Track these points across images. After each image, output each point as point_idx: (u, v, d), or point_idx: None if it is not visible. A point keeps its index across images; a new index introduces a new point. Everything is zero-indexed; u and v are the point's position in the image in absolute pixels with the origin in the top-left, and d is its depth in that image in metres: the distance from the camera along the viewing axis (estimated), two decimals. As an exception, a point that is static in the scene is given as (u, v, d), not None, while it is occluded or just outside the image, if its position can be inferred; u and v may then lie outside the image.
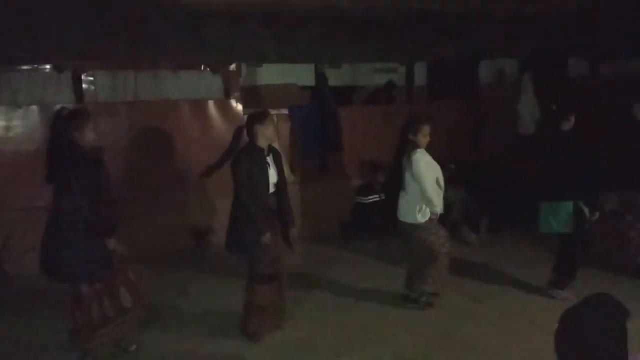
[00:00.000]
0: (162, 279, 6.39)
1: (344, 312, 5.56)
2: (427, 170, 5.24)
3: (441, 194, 5.37)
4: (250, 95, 7.95)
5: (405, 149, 5.35)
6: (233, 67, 7.74)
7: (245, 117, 7.10)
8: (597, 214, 5.51)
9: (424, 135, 5.27)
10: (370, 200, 7.91)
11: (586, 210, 5.45)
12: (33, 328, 5.31)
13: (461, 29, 8.71)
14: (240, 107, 7.71)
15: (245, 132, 5.02)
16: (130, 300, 4.75)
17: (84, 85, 7.19)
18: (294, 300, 5.66)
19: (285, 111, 8.10)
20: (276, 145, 5.26)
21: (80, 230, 4.25)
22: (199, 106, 7.63)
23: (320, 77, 8.38)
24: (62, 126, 4.39)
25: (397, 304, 5.65)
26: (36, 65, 6.91)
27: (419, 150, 5.28)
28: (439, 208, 5.34)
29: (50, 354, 4.83)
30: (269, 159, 4.88)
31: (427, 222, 5.30)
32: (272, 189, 4.88)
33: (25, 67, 6.90)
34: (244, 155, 4.85)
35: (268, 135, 4.84)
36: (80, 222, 4.25)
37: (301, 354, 4.75)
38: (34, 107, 6.90)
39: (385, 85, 9.37)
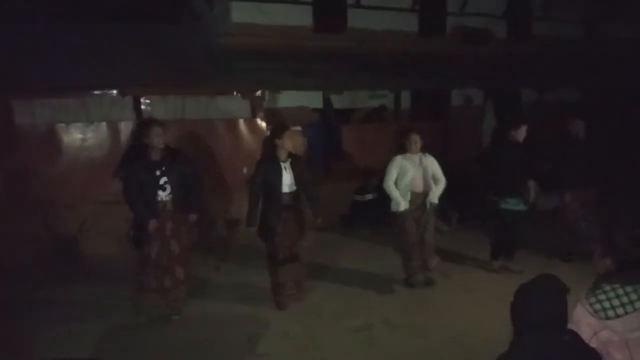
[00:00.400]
0: (201, 260, 6.33)
1: (342, 285, 5.56)
2: (392, 172, 5.16)
3: (408, 193, 5.20)
4: (272, 115, 7.93)
5: (397, 151, 5.33)
6: (258, 92, 7.71)
7: (268, 132, 7.26)
8: (520, 203, 5.53)
9: (413, 143, 5.20)
10: (366, 198, 7.89)
11: (508, 199, 5.49)
12: (99, 294, 5.35)
13: (436, 65, 8.82)
14: (264, 124, 7.65)
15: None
16: (183, 274, 4.77)
17: (142, 107, 7.16)
18: (306, 274, 5.65)
19: (299, 128, 8.11)
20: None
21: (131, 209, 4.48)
22: (231, 124, 7.60)
23: (327, 101, 8.45)
24: (137, 132, 4.57)
25: (384, 279, 5.63)
26: (105, 91, 6.92)
27: (401, 155, 5.22)
28: (401, 205, 5.17)
29: (112, 314, 4.86)
30: (286, 165, 4.82)
31: (399, 213, 5.21)
32: (287, 189, 4.81)
33: (97, 92, 6.91)
34: (260, 163, 4.86)
35: (285, 146, 4.81)
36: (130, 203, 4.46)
37: (308, 317, 4.79)
38: (103, 123, 6.91)
39: (378, 108, 9.38)
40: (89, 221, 6.60)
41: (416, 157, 5.26)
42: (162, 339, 4.41)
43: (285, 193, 4.82)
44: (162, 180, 4.58)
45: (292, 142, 5.06)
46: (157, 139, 4.51)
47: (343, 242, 7.28)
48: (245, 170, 7.24)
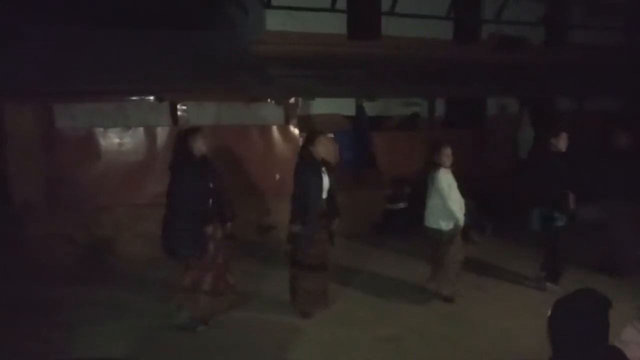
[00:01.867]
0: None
1: (373, 294, 5.49)
2: (447, 186, 4.99)
3: (462, 207, 5.08)
4: (305, 122, 7.95)
5: (430, 169, 5.15)
6: (292, 100, 7.74)
7: (300, 138, 7.30)
8: (564, 218, 5.29)
9: (447, 156, 5.05)
10: (398, 207, 7.80)
11: (556, 215, 5.25)
12: (132, 296, 5.40)
13: (471, 73, 8.69)
14: (297, 131, 7.67)
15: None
16: (232, 279, 4.87)
17: (179, 112, 7.28)
18: (336, 282, 5.63)
19: (331, 135, 7.96)
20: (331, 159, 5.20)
21: (183, 215, 4.42)
22: (265, 130, 7.63)
23: (359, 108, 8.39)
24: (181, 139, 4.62)
25: (415, 289, 5.54)
26: (143, 97, 7.04)
27: (441, 169, 5.05)
28: (461, 220, 5.05)
29: (144, 316, 4.90)
30: (324, 169, 4.81)
31: (449, 230, 5.07)
32: (325, 195, 4.79)
33: (134, 98, 7.02)
34: (301, 167, 4.79)
35: (319, 152, 4.79)
36: (184, 209, 4.41)
37: (338, 325, 4.74)
38: (141, 128, 7.03)
39: (411, 116, 9.30)
40: (124, 223, 6.70)
41: (449, 172, 5.11)
42: (192, 343, 4.42)
43: (324, 199, 4.80)
44: (211, 184, 4.65)
45: (325, 148, 4.95)
46: (202, 147, 4.61)
47: (374, 250, 7.21)
48: (278, 176, 7.33)
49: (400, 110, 9.46)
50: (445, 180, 5.00)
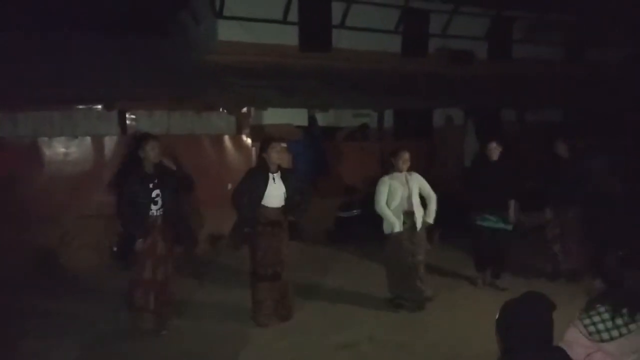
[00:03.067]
0: (183, 273, 6.23)
1: (328, 302, 5.49)
2: (382, 193, 5.04)
3: (400, 213, 5.08)
4: (257, 132, 7.92)
5: (385, 170, 5.22)
6: (244, 109, 7.70)
7: (253, 148, 7.28)
8: (506, 223, 5.59)
9: (404, 161, 5.11)
10: (351, 214, 7.84)
11: (492, 218, 5.55)
12: (81, 308, 5.23)
13: (419, 85, 8.97)
14: (249, 141, 7.63)
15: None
16: (173, 292, 4.74)
17: (128, 121, 7.16)
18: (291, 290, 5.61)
19: (284, 144, 8.00)
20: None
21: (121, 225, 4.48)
22: (217, 140, 7.57)
23: (312, 119, 8.44)
24: (132, 145, 4.52)
25: (370, 296, 5.57)
26: (90, 105, 6.88)
27: (391, 174, 5.12)
28: (395, 226, 5.05)
29: (93, 328, 4.75)
30: (275, 176, 4.72)
31: (393, 234, 5.09)
32: (274, 203, 4.71)
33: (81, 106, 6.86)
34: (247, 172, 4.81)
35: (271, 159, 4.73)
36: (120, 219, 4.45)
37: (295, 333, 4.70)
38: (88, 138, 6.85)
39: (361, 127, 9.41)
40: (70, 234, 6.51)
41: (402, 176, 5.14)
42: (147, 354, 4.30)
43: (272, 207, 4.71)
44: (155, 193, 4.51)
45: (279, 155, 4.82)
46: (153, 153, 4.47)
47: (329, 258, 7.22)
48: (229, 186, 7.03)
49: (350, 121, 9.58)
50: (385, 186, 5.07)
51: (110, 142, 6.90)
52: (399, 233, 5.08)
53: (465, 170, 8.84)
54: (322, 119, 8.75)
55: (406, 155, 5.12)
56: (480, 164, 5.87)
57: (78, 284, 5.89)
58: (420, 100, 9.32)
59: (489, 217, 5.61)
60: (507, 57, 10.48)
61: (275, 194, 4.72)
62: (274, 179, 4.72)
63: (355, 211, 7.88)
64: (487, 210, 5.60)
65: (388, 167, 5.26)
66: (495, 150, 5.57)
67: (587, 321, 2.22)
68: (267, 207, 4.70)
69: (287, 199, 4.79)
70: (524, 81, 9.37)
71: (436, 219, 7.67)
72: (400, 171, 5.13)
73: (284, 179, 4.77)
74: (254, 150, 7.21)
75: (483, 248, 5.76)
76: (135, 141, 4.55)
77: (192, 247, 4.85)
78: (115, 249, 6.46)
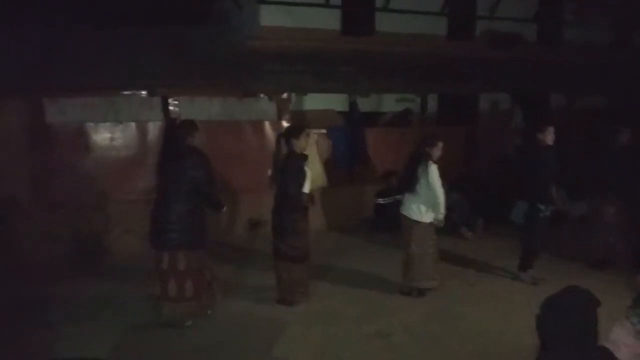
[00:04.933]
0: (222, 259, 6.22)
1: (362, 290, 5.42)
2: (439, 181, 4.93)
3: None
4: (297, 118, 7.84)
5: (419, 159, 5.05)
6: (285, 95, 7.67)
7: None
8: (548, 210, 5.34)
9: (438, 149, 5.01)
10: (387, 201, 7.66)
11: (541, 207, 5.27)
12: (121, 294, 5.29)
13: (464, 69, 8.64)
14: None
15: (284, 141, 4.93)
16: (210, 277, 4.71)
17: (170, 107, 7.15)
18: (325, 278, 5.62)
19: (324, 131, 8.05)
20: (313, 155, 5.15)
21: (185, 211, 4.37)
22: (257, 126, 7.59)
23: (352, 104, 8.29)
24: (178, 131, 4.52)
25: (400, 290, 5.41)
26: (134, 91, 6.94)
27: (431, 162, 4.97)
28: (442, 215, 5.02)
29: (130, 314, 4.78)
30: (306, 163, 4.81)
31: (428, 223, 5.03)
32: (308, 189, 4.78)
33: (126, 92, 6.93)
34: (288, 160, 4.77)
35: (301, 146, 4.78)
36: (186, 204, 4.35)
37: (328, 322, 4.67)
38: (132, 123, 6.95)
39: (403, 112, 9.21)
40: (114, 220, 6.68)
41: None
42: (179, 342, 4.31)
43: (307, 193, 4.79)
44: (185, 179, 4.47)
45: (306, 142, 4.93)
46: (200, 140, 4.55)
47: (365, 246, 7.16)
48: (270, 172, 7.19)
49: (393, 106, 9.36)
50: (437, 174, 4.93)
51: (153, 128, 7.00)
52: (437, 223, 5.08)
53: (506, 156, 8.56)
54: (363, 104, 8.56)
55: (441, 145, 5.03)
56: (530, 149, 5.54)
57: (120, 270, 5.99)
58: (465, 85, 9.05)
59: (542, 207, 5.32)
60: (556, 40, 9.95)
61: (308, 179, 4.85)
62: (307, 165, 4.86)
63: (392, 198, 7.61)
64: (544, 199, 5.30)
65: (421, 155, 5.04)
66: (552, 135, 5.31)
67: (635, 319, 2.03)
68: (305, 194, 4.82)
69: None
70: (573, 65, 8.87)
71: (478, 208, 7.57)
72: (436, 162, 4.98)
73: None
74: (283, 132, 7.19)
75: (540, 240, 5.51)
76: (187, 128, 4.54)
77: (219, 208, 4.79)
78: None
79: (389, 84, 8.65)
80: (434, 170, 4.92)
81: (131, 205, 6.46)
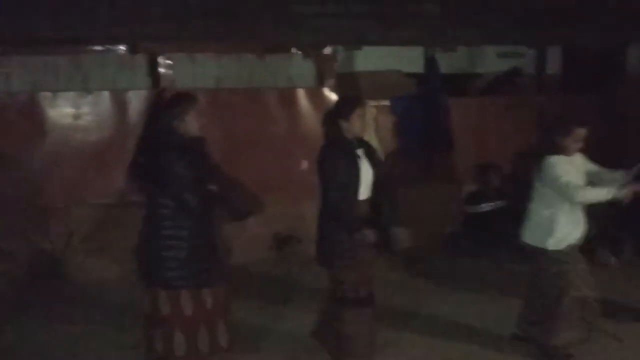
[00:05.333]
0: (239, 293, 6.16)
1: (442, 341, 5.26)
2: (567, 182, 4.65)
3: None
4: (347, 83, 7.75)
5: (544, 150, 4.84)
6: (327, 50, 7.68)
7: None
8: None
9: (576, 141, 4.76)
10: (484, 209, 7.55)
11: None
12: (86, 339, 5.26)
13: (603, 10, 8.33)
14: (334, 96, 7.46)
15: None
16: (227, 337, 4.53)
17: (160, 70, 7.19)
18: (390, 323, 5.42)
19: (386, 102, 7.90)
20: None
21: (185, 229, 4.22)
22: (287, 95, 7.58)
23: (430, 62, 8.13)
24: (161, 112, 4.39)
25: (508, 330, 5.23)
26: (108, 46, 6.98)
27: (560, 156, 4.74)
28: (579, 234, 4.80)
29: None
30: (361, 152, 4.59)
31: (559, 250, 4.75)
32: (364, 193, 4.57)
33: (96, 48, 6.97)
34: (330, 149, 4.57)
35: (353, 129, 4.54)
36: (186, 220, 4.22)
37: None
38: (105, 93, 6.97)
39: (509, 73, 9.08)
40: (79, 231, 6.70)
41: (576, 160, 4.83)
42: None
43: (362, 200, 4.57)
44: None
45: (362, 123, 4.67)
46: (193, 123, 4.37)
47: (447, 275, 6.96)
48: (305, 164, 7.23)
49: (492, 64, 9.24)
50: (566, 172, 4.69)
51: (136, 100, 7.02)
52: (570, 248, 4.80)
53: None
54: (446, 62, 8.39)
55: (582, 133, 4.73)
56: None
57: (85, 303, 5.96)
58: (603, 32, 8.69)
59: None
60: None
61: (365, 182, 4.60)
62: (362, 156, 4.59)
63: (488, 204, 7.56)
64: None
65: (547, 145, 4.82)
66: None
67: None
68: (357, 201, 4.60)
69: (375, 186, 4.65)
70: None
71: (626, 223, 7.21)
72: (569, 154, 4.75)
73: (369, 156, 4.61)
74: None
75: None
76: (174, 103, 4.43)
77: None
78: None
79: (486, 31, 8.37)
80: (554, 163, 4.70)
81: (103, 212, 6.57)
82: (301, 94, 7.57)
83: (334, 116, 4.64)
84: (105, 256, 6.48)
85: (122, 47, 7.01)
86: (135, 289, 4.70)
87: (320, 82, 7.67)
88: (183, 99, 4.43)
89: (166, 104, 4.50)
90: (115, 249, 6.47)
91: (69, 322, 5.62)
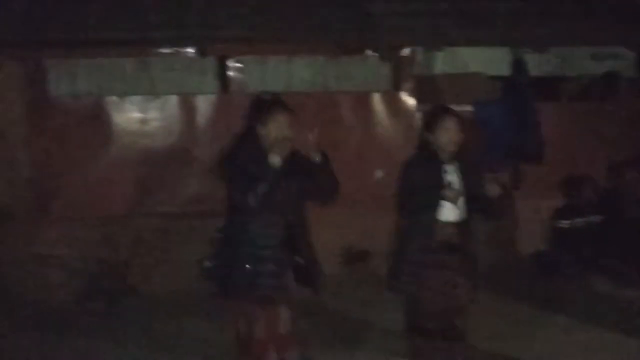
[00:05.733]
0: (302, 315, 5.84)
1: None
2: None
3: None
4: (426, 87, 7.53)
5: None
6: (405, 51, 7.53)
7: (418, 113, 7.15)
8: None
9: None
10: (575, 224, 7.19)
11: None
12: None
13: None
14: (412, 101, 7.50)
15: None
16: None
17: (230, 73, 7.26)
18: None
19: (468, 108, 7.54)
20: None
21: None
22: (360, 100, 7.52)
23: (518, 64, 7.78)
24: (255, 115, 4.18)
25: None
26: (177, 49, 7.03)
27: None
28: None
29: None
30: (452, 169, 4.28)
31: None
32: (450, 214, 4.24)
33: (164, 51, 7.04)
34: (409, 165, 4.35)
35: (442, 142, 4.24)
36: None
37: None
38: (173, 97, 7.04)
39: (605, 76, 8.59)
40: (146, 241, 6.66)
41: None
42: None
43: (446, 222, 4.25)
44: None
45: (451, 134, 4.29)
46: (284, 132, 4.04)
47: (534, 306, 6.34)
48: (380, 174, 7.22)
49: (587, 67, 8.76)
50: None
51: (205, 104, 7.08)
52: None
53: None
54: (535, 63, 8.03)
55: None
56: None
57: (150, 318, 5.82)
58: None
59: None
60: None
61: (454, 198, 4.31)
62: (448, 174, 4.28)
63: (582, 219, 7.21)
64: None
65: None
66: None
67: None
68: (438, 222, 4.27)
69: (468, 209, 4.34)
70: None
71: None
72: None
73: (463, 172, 4.29)
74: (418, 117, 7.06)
75: None
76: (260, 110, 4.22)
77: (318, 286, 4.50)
78: (207, 264, 6.46)
79: (579, 31, 7.92)
80: None
81: (171, 222, 6.57)
82: (376, 98, 7.51)
83: (421, 128, 4.46)
84: (171, 266, 6.41)
85: (190, 50, 7.04)
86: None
87: (397, 85, 7.58)
88: (269, 103, 4.18)
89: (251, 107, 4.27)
90: (182, 259, 6.33)
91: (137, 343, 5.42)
